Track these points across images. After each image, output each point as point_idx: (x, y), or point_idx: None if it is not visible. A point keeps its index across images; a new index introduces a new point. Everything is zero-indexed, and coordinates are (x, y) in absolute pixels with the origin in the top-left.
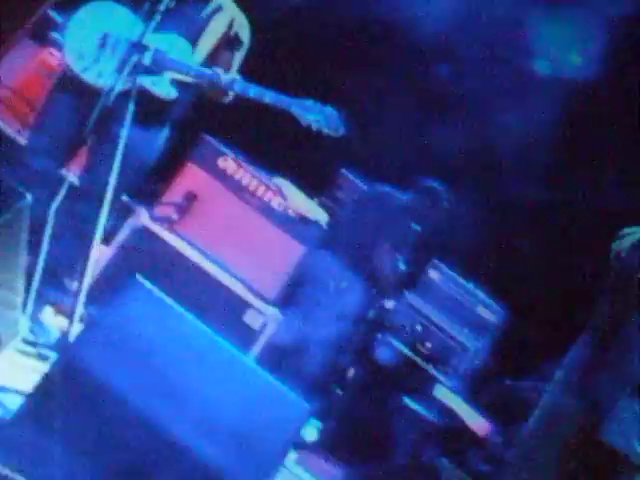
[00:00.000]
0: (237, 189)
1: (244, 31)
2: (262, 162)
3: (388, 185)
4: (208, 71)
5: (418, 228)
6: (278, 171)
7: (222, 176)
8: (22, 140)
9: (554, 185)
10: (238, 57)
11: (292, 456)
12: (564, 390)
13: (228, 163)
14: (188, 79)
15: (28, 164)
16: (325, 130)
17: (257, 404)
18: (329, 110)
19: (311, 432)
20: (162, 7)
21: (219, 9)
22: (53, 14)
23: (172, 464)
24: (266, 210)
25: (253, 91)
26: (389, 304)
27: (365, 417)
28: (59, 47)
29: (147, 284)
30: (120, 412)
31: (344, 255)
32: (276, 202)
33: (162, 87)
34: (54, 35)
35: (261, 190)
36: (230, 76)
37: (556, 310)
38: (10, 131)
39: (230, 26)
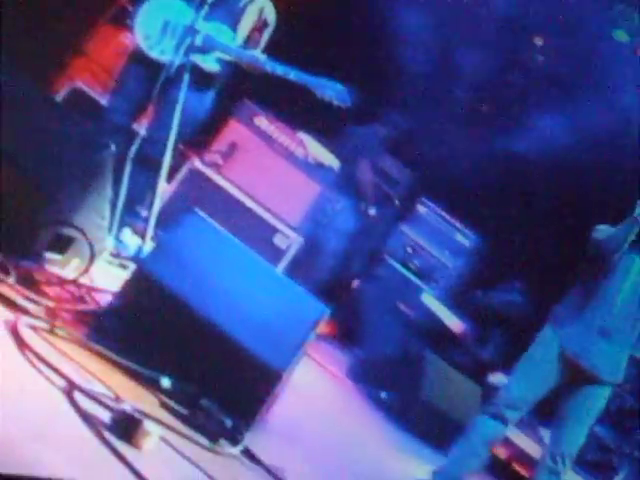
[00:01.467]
0: (268, 141)
1: (271, 15)
2: (288, 120)
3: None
4: (246, 52)
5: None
6: (301, 127)
7: (257, 130)
8: (104, 102)
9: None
10: (266, 36)
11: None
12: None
13: (261, 120)
14: (230, 58)
15: (110, 120)
16: (335, 102)
17: (285, 304)
18: (339, 87)
19: (324, 327)
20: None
21: (255, 2)
22: (128, 5)
23: (220, 350)
24: (291, 157)
25: (280, 69)
26: (372, 211)
27: (365, 317)
28: (132, 31)
29: (201, 213)
30: (182, 310)
31: (337, 184)
32: (299, 151)
33: (209, 63)
34: (129, 21)
35: (287, 141)
36: (263, 57)
37: (519, 236)
38: (95, 94)
39: (261, 13)
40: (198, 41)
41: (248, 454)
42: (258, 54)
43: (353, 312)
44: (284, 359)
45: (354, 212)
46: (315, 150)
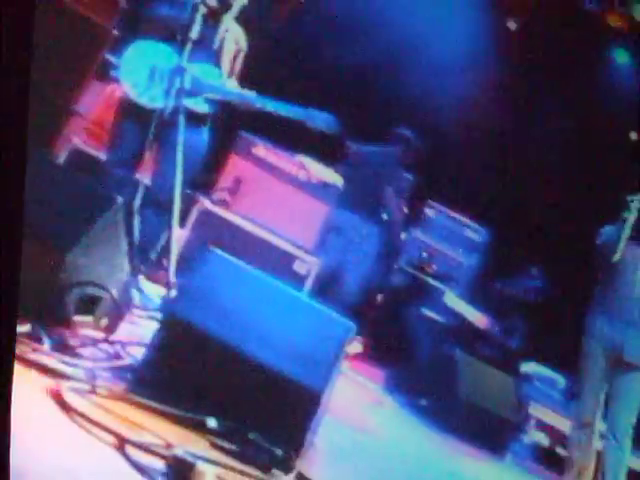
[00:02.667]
0: (270, 169)
1: (243, 41)
2: (287, 145)
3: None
4: (235, 92)
5: (409, 175)
6: (299, 150)
7: (257, 161)
8: (101, 156)
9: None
10: (240, 61)
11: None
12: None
13: (260, 150)
14: (219, 97)
15: (111, 174)
16: (325, 131)
17: (313, 326)
18: (326, 116)
19: (355, 346)
20: (190, 38)
21: (228, 30)
22: (109, 57)
23: (259, 381)
24: (295, 181)
25: (270, 105)
26: (403, 235)
27: (394, 329)
28: (118, 81)
29: (218, 251)
30: (215, 348)
31: (359, 208)
32: (301, 174)
33: (199, 104)
34: (113, 73)
35: (288, 166)
36: (251, 94)
37: (528, 226)
38: (93, 152)
39: (237, 42)
40: (186, 84)
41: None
42: (247, 92)
43: (382, 327)
44: (320, 380)
45: (382, 236)
46: (317, 170)
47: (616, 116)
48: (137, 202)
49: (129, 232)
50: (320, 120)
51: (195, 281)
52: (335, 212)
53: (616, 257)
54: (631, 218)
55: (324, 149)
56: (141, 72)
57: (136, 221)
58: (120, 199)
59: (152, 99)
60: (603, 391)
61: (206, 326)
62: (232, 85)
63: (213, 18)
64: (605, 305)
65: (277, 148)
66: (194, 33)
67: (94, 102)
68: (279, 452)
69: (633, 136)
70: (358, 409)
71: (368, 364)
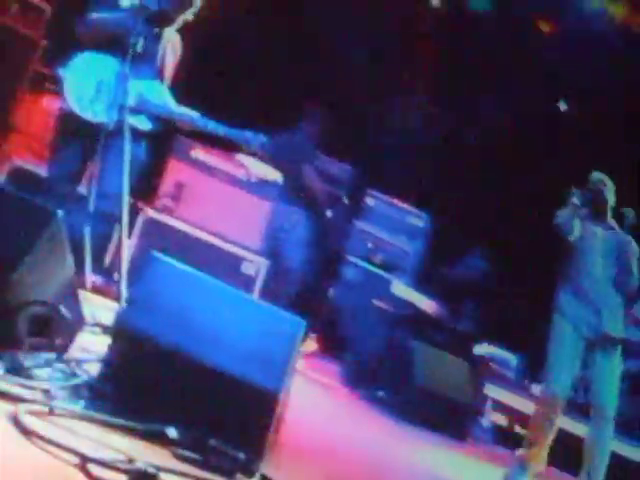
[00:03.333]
0: (210, 171)
1: (180, 48)
2: (224, 145)
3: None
4: (179, 112)
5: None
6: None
7: (197, 163)
8: (42, 172)
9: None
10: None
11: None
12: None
13: (198, 152)
14: (163, 116)
15: (53, 189)
16: (259, 152)
17: (264, 326)
18: (262, 138)
19: (310, 344)
20: (134, 51)
21: (169, 40)
22: (42, 69)
23: (215, 386)
24: (235, 181)
25: (210, 125)
26: (328, 214)
27: (346, 323)
28: (60, 93)
29: (163, 257)
30: (170, 357)
31: (287, 196)
32: (241, 173)
33: (142, 122)
34: (51, 85)
35: (227, 167)
36: (195, 114)
37: (469, 208)
38: (31, 167)
39: (175, 50)
40: (131, 102)
41: None
42: (190, 112)
43: (333, 322)
44: (276, 379)
45: (310, 221)
46: (256, 168)
47: (543, 88)
48: (81, 215)
49: (74, 246)
50: (255, 142)
51: (142, 290)
52: (277, 208)
53: (574, 235)
54: (579, 202)
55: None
56: (88, 85)
57: (82, 234)
58: (60, 213)
59: (95, 114)
60: (575, 370)
61: (157, 335)
62: (174, 103)
63: (156, 31)
64: (572, 284)
65: (215, 149)
66: (138, 46)
67: (30, 116)
68: (242, 456)
69: (562, 106)
70: (317, 407)
71: (324, 361)
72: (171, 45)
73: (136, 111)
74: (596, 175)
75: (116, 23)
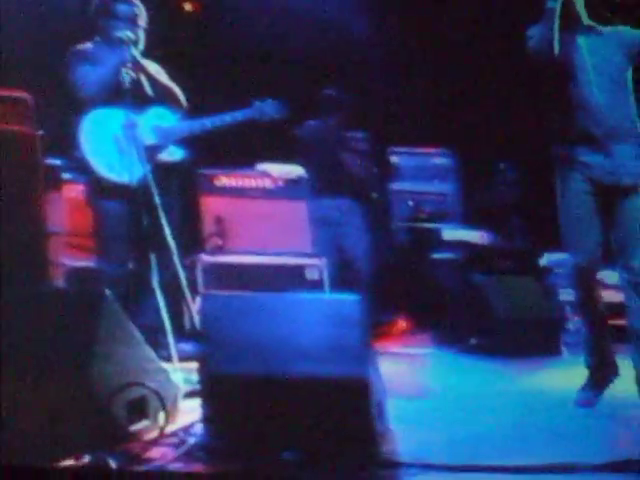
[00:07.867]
0: (238, 192)
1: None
2: (241, 162)
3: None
4: (194, 124)
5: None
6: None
7: (224, 190)
8: (92, 264)
9: None
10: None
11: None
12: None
13: (221, 179)
14: (185, 135)
15: (108, 276)
16: (276, 116)
17: (327, 317)
18: (269, 101)
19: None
20: (128, 90)
21: (147, 63)
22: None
23: (314, 396)
24: (265, 192)
25: (220, 119)
26: (374, 195)
27: (418, 287)
28: (73, 181)
29: (218, 293)
30: (264, 386)
31: (328, 188)
32: (267, 182)
33: (172, 153)
34: (67, 175)
35: (253, 182)
36: (206, 119)
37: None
38: (82, 264)
39: (159, 69)
40: (152, 139)
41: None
42: (202, 120)
43: (407, 293)
44: (359, 365)
45: (360, 206)
46: (279, 171)
47: None
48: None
49: (138, 321)
50: (267, 107)
51: (213, 332)
52: (313, 203)
53: (555, 50)
54: (558, 6)
55: (274, 149)
56: (109, 148)
57: (162, 303)
58: (108, 292)
59: (132, 174)
60: (598, 228)
61: (242, 369)
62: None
63: (133, 56)
64: (575, 126)
65: (234, 168)
66: (126, 83)
67: (57, 212)
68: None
69: None
70: (418, 380)
71: (417, 335)
72: (152, 66)
73: (161, 146)
74: None
75: (115, 71)
